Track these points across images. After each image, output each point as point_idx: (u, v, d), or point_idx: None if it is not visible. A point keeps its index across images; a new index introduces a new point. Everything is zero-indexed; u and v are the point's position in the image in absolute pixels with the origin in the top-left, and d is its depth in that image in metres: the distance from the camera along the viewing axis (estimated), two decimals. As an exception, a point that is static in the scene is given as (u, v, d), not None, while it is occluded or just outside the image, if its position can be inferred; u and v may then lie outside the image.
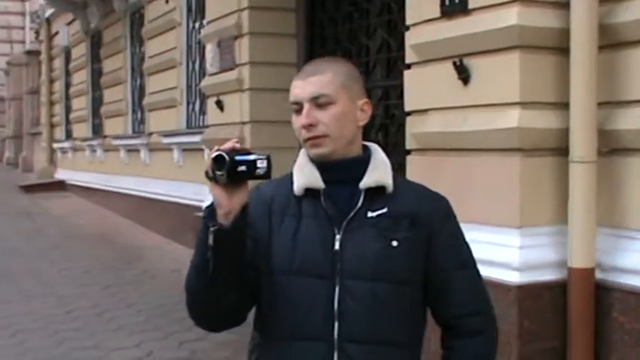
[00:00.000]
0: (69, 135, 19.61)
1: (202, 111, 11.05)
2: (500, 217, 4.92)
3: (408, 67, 5.74)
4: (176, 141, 11.89)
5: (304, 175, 2.15)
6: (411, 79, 5.72)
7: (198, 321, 2.17)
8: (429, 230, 2.15)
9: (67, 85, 19.73)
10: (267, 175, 1.97)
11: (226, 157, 1.93)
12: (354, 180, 2.13)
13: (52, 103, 21.37)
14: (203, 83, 9.62)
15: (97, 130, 16.94)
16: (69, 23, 18.63)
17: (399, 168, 6.71)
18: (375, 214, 2.12)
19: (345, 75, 2.15)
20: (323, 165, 2.14)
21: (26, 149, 26.08)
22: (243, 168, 1.94)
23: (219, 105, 8.92)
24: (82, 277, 9.64)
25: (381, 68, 7.35)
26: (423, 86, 5.55)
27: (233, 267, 2.04)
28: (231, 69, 8.60)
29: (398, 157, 6.67)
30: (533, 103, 4.77)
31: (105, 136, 15.91)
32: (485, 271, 4.85)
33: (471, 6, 5.01)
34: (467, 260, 2.24)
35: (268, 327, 2.16)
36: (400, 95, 6.05)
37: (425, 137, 5.57)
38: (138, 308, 7.68)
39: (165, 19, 12.20)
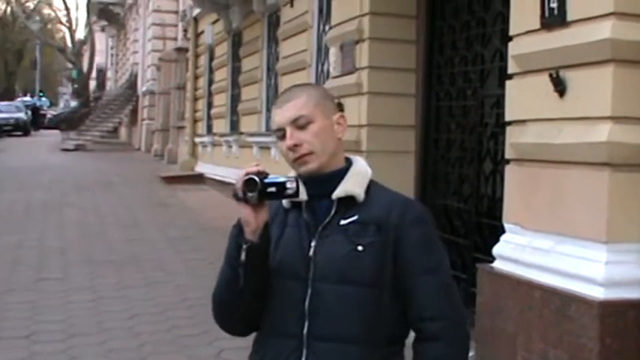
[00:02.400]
0: (209, 130, 20.28)
1: (328, 112, 11.25)
2: (588, 230, 4.88)
3: (510, 77, 5.76)
4: (304, 140, 12.15)
5: None
6: (512, 89, 5.74)
7: (224, 326, 2.43)
8: (396, 235, 2.25)
9: (210, 82, 20.42)
10: (295, 194, 2.18)
11: (257, 180, 2.12)
12: (333, 191, 2.28)
13: (195, 99, 22.17)
14: (326, 85, 9.81)
15: (234, 127, 17.47)
16: (213, 23, 19.26)
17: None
18: (346, 221, 2.26)
19: (316, 96, 2.32)
20: (307, 180, 2.28)
21: (172, 142, 27.04)
22: (272, 189, 2.15)
23: (340, 107, 9.09)
24: (203, 269, 10.00)
25: (494, 77, 7.33)
26: (523, 97, 5.56)
27: (260, 278, 2.25)
28: (352, 72, 8.75)
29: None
30: (626, 117, 4.70)
31: (241, 133, 16.39)
32: (569, 285, 4.89)
33: (569, 18, 4.98)
34: (435, 266, 2.28)
35: (260, 324, 2.36)
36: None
37: (522, 147, 5.57)
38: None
39: (298, 21, 12.50)
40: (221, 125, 18.65)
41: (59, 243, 11.65)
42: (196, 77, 22.16)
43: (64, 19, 66.10)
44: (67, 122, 40.78)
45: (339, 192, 2.28)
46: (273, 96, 14.47)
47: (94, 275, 9.52)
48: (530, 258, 5.40)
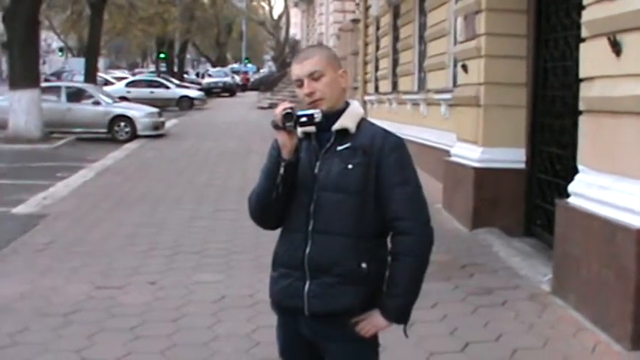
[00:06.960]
0: (377, 89, 20.69)
1: (462, 73, 11.40)
2: (637, 170, 5.03)
3: (583, 40, 5.88)
4: (444, 97, 12.38)
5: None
6: (584, 51, 5.87)
7: (260, 223, 2.84)
8: (378, 157, 2.65)
9: (377, 48, 20.77)
10: (320, 122, 2.61)
11: (293, 112, 2.57)
12: (333, 125, 2.71)
13: (365, 63, 22.60)
14: (454, 50, 10.06)
15: (394, 86, 17.81)
16: (378, -3, 19.58)
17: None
18: (341, 147, 2.68)
19: (327, 56, 2.74)
20: None
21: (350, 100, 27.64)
22: (304, 119, 2.60)
23: (465, 68, 9.34)
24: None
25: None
26: (591, 57, 5.69)
27: (290, 188, 2.69)
28: (473, 38, 8.96)
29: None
30: (668, 73, 4.80)
31: (398, 92, 16.73)
32: (618, 216, 5.06)
33: (625, -11, 5.09)
34: (407, 180, 2.67)
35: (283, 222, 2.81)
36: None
37: (590, 101, 5.72)
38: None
39: (441, -5, 12.67)
40: (385, 85, 19.00)
41: (239, 182, 12.50)
42: (366, 44, 22.55)
43: (265, -3, 68.44)
44: (264, 84, 42.33)
45: (336, 126, 2.69)
46: (423, 61, 14.71)
47: (262, 207, 10.25)
48: (594, 194, 5.58)
